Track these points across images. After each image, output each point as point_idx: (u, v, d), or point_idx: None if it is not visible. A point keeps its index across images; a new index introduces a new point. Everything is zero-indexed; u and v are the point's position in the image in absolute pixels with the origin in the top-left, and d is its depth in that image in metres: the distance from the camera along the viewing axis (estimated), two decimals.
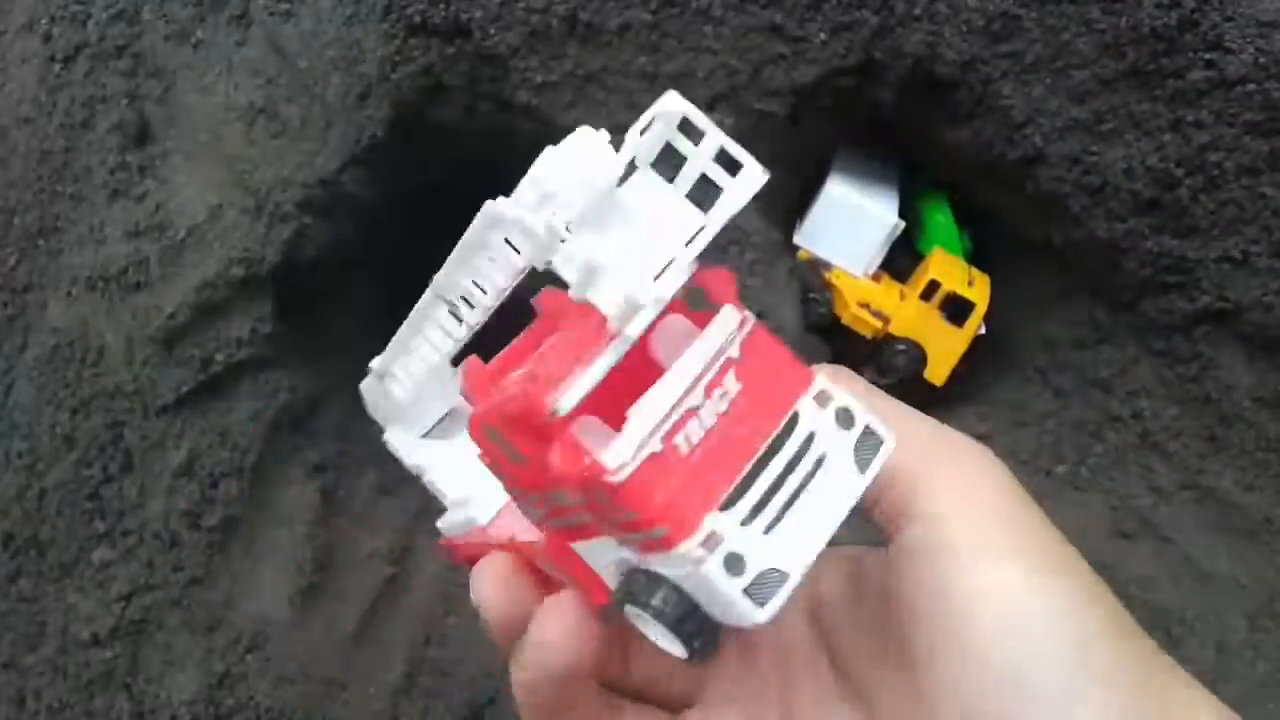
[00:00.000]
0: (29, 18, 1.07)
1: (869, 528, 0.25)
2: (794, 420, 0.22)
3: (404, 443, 0.35)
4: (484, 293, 0.28)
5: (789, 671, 0.30)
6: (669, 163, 0.23)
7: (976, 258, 1.07)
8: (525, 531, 0.27)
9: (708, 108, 0.88)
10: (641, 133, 0.23)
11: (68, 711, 0.88)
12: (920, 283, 0.99)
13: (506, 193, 0.26)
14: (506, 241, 0.25)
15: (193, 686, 0.82)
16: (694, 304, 0.23)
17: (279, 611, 0.85)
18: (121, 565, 0.88)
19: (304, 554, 0.88)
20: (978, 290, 0.98)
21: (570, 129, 0.75)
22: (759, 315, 0.80)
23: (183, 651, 0.84)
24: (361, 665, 0.86)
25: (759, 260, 0.85)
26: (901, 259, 1.07)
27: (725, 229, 0.67)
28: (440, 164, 1.02)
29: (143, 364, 0.90)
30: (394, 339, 0.33)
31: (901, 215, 1.00)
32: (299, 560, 0.88)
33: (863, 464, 0.22)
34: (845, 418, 0.23)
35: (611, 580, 0.24)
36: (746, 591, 0.20)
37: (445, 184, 1.08)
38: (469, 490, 0.32)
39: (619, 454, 0.20)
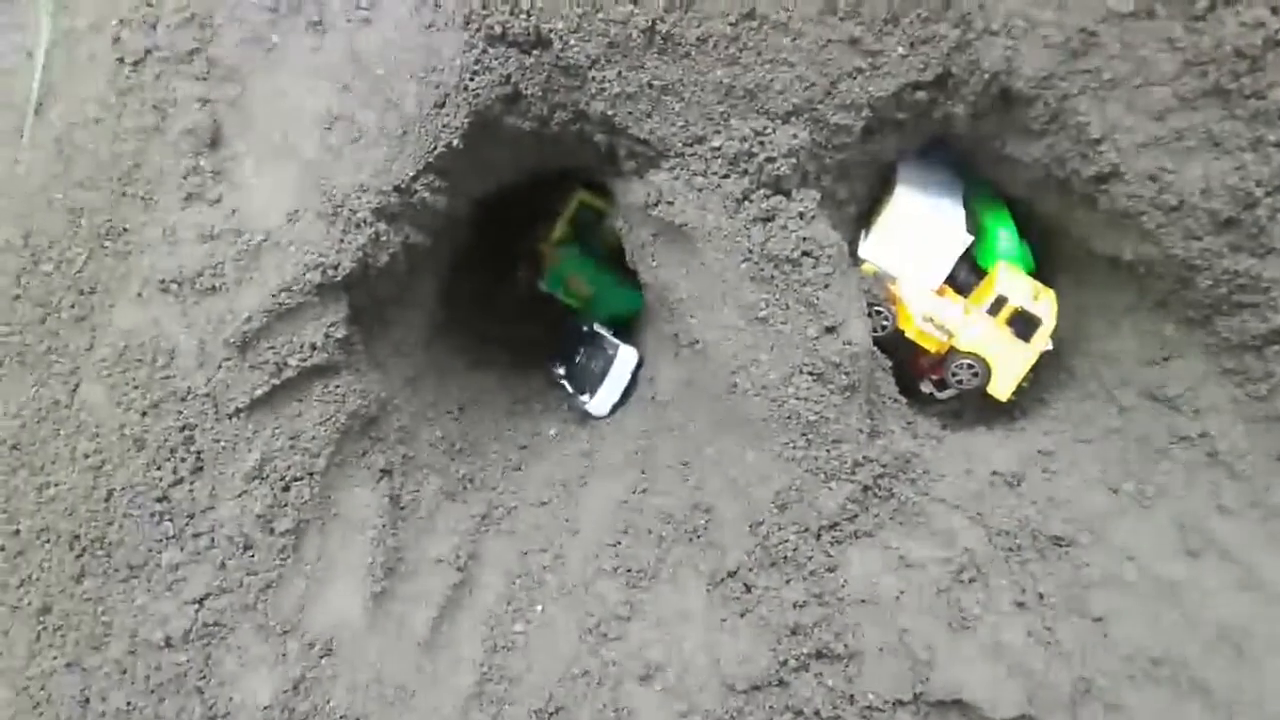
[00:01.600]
0: (97, 18, 1.08)
1: None
2: None
3: None
4: None
5: None
6: None
7: (1037, 272, 1.07)
8: None
9: (783, 121, 0.88)
10: None
11: (135, 714, 0.88)
12: (986, 297, 0.99)
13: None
14: None
15: (267, 691, 0.82)
16: None
17: (352, 616, 0.86)
18: (192, 567, 0.89)
19: (374, 558, 0.89)
20: (1044, 306, 0.98)
21: (645, 140, 0.77)
22: (831, 329, 0.80)
23: (257, 656, 0.84)
24: (432, 671, 0.86)
25: (832, 272, 0.86)
26: (962, 271, 1.07)
27: (797, 241, 0.69)
28: (511, 172, 1.03)
29: (215, 367, 0.91)
30: None
31: (966, 229, 1.00)
32: (370, 565, 0.88)
33: None
34: None
35: None
36: None
37: (510, 193, 1.08)
38: None
39: None
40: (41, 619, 0.95)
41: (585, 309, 1.33)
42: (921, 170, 1.04)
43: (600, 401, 1.23)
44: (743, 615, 0.89)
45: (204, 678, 0.85)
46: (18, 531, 0.97)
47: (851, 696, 0.85)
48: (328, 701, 0.83)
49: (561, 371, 1.28)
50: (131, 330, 0.96)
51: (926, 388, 1.10)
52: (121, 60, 1.04)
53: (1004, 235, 1.04)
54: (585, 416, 1.25)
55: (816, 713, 0.85)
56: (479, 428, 1.10)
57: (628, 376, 1.24)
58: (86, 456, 0.96)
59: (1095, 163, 0.88)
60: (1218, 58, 0.82)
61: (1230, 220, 0.85)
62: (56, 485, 0.97)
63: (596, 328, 1.30)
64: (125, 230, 1.00)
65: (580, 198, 1.33)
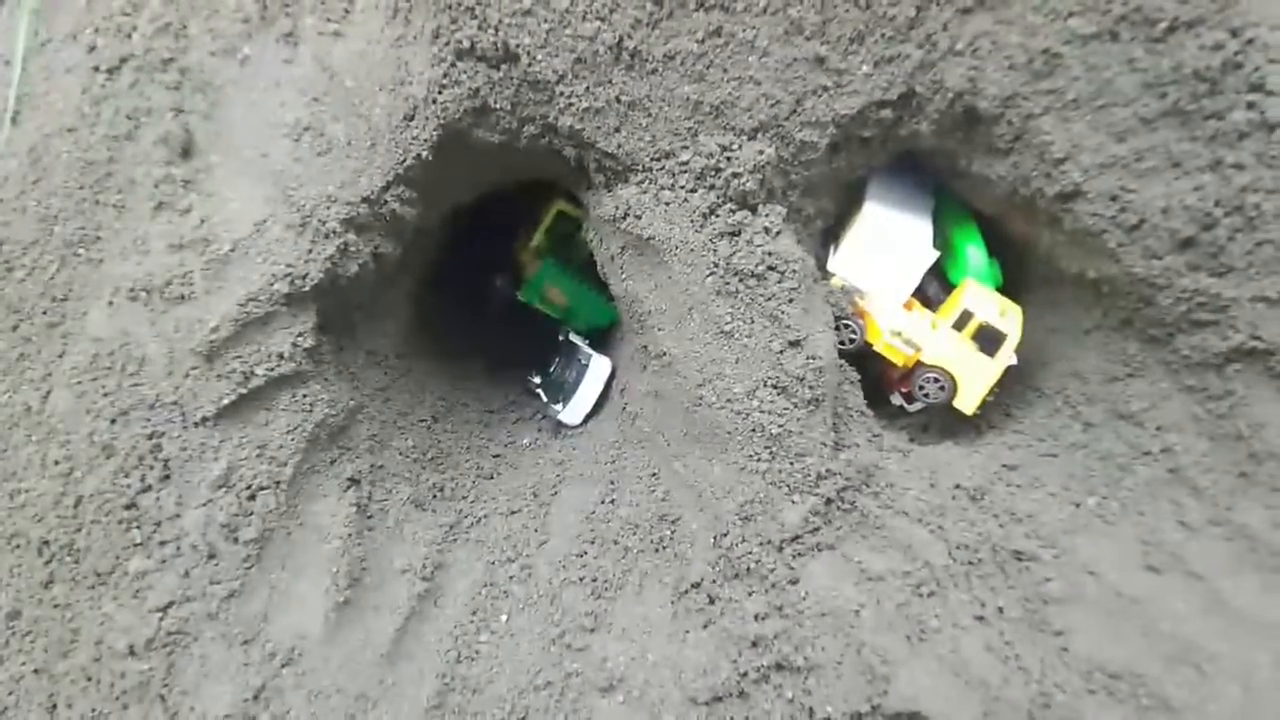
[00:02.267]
0: (74, 27, 1.08)
1: None
2: None
3: None
4: None
5: None
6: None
7: (1005, 288, 1.08)
8: None
9: (749, 137, 0.89)
10: None
11: None
12: (952, 312, 0.99)
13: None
14: None
15: (228, 699, 0.83)
16: None
17: (314, 626, 0.86)
18: (158, 575, 0.89)
19: (339, 568, 0.89)
20: (1010, 321, 0.99)
21: (613, 154, 0.78)
22: (795, 343, 0.80)
23: (219, 664, 0.84)
24: (394, 681, 0.87)
25: (797, 287, 0.86)
26: (933, 286, 1.08)
27: (763, 256, 0.70)
28: (480, 184, 1.04)
29: (184, 375, 0.91)
30: None
31: (934, 244, 1.01)
32: (334, 574, 0.89)
33: None
34: None
35: None
36: None
37: (480, 204, 1.09)
38: None
39: None
40: (11, 624, 0.95)
41: (562, 319, 1.33)
42: (891, 186, 1.05)
43: (573, 411, 1.24)
44: (705, 627, 0.89)
45: (167, 686, 0.85)
46: None
47: (810, 709, 0.85)
48: (287, 711, 0.83)
49: (537, 380, 1.29)
50: (102, 338, 0.96)
51: (897, 400, 1.11)
52: (97, 69, 1.04)
53: (973, 251, 1.05)
54: (559, 426, 1.25)
55: None
56: (451, 437, 1.10)
57: (600, 386, 1.25)
58: (56, 463, 0.96)
59: (1058, 181, 0.89)
60: (1178, 79, 0.83)
61: (1190, 240, 0.86)
62: (27, 491, 0.97)
63: (572, 337, 1.31)
64: (98, 238, 1.00)
65: (558, 207, 1.33)
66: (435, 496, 1.02)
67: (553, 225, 1.33)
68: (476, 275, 1.31)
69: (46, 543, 0.95)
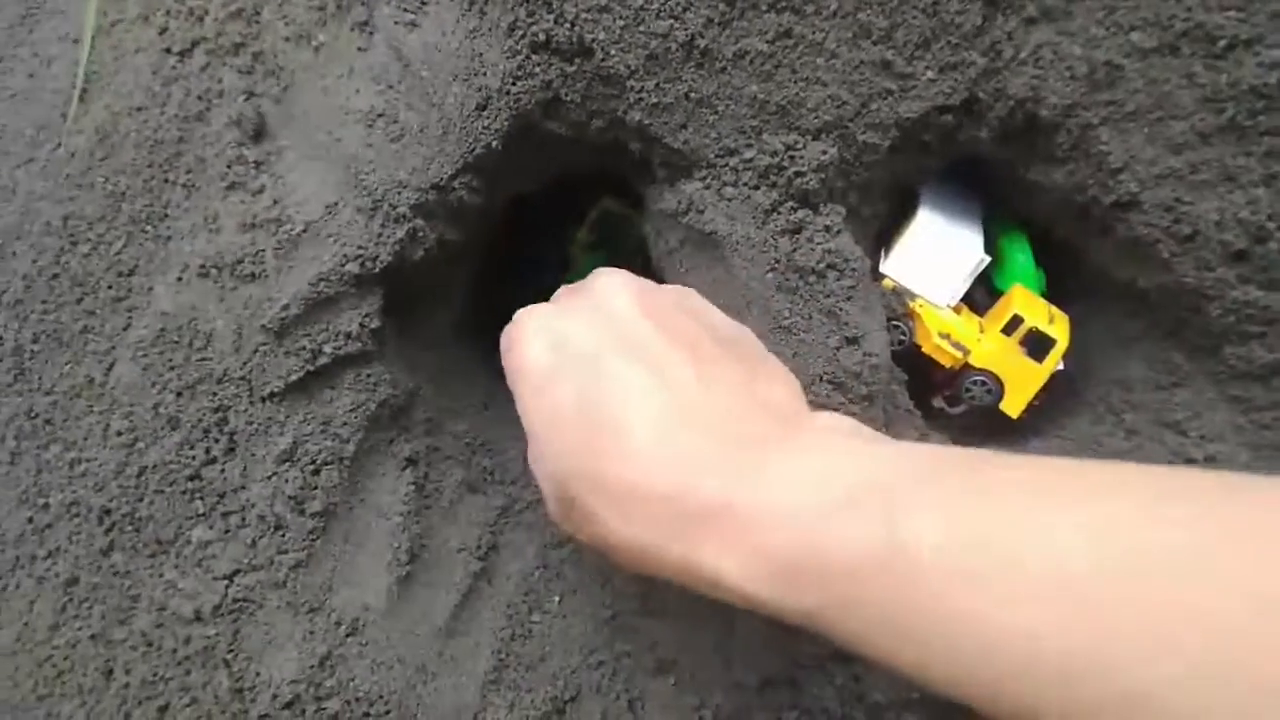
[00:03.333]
0: (144, 8, 1.10)
1: None
2: None
3: None
4: None
5: None
6: None
7: (1049, 296, 1.10)
8: None
9: (814, 137, 0.91)
10: None
11: (161, 685, 0.90)
12: (1002, 317, 1.02)
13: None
14: None
15: (293, 666, 0.85)
16: None
17: (377, 599, 0.88)
18: (222, 545, 0.91)
19: (399, 544, 0.91)
20: (1058, 328, 1.01)
21: (678, 149, 0.81)
22: (852, 340, 0.83)
23: (284, 632, 0.86)
24: (454, 655, 0.89)
25: (855, 285, 0.88)
26: (979, 292, 1.10)
27: (823, 254, 0.73)
28: (542, 175, 1.06)
29: (252, 352, 0.93)
30: None
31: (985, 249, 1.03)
32: (395, 550, 0.91)
33: None
34: None
35: None
36: None
37: (538, 193, 1.11)
38: None
39: None
40: (68, 590, 0.97)
41: None
42: (943, 191, 1.07)
43: None
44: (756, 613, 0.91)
45: (232, 651, 0.88)
46: (47, 505, 0.99)
47: (860, 696, 0.87)
48: (352, 679, 0.85)
49: None
50: (169, 313, 0.98)
51: (938, 403, 1.13)
52: (168, 50, 1.06)
53: (1020, 258, 1.07)
54: None
55: (825, 710, 0.87)
56: (499, 425, 1.13)
57: None
58: (119, 434, 0.98)
59: (1114, 191, 0.91)
60: (1235, 95, 0.85)
61: (1241, 253, 0.88)
62: (88, 461, 0.99)
63: None
64: (166, 215, 1.02)
65: (604, 203, 1.36)
66: (486, 480, 1.04)
67: (599, 220, 1.36)
68: (527, 265, 1.33)
69: (107, 511, 0.97)
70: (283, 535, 0.89)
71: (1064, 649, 0.38)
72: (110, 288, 1.03)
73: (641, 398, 0.52)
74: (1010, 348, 1.01)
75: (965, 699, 0.42)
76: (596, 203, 1.35)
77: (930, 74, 0.89)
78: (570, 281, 1.33)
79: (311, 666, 0.85)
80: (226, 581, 0.89)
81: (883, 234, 1.07)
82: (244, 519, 0.91)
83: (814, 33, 0.87)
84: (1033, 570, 0.39)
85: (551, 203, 1.28)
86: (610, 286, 0.67)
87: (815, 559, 0.47)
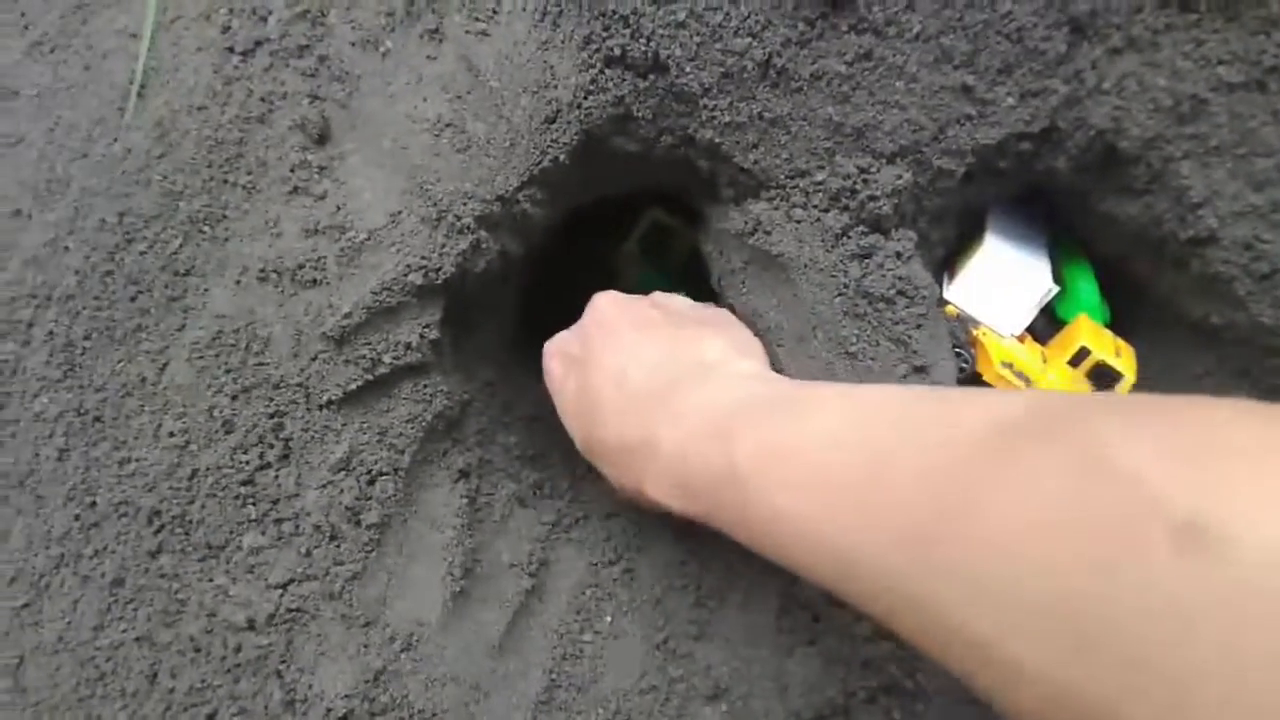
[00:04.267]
0: (207, 6, 1.10)
1: None
2: None
3: None
4: None
5: None
6: None
7: (1112, 327, 1.08)
8: None
9: (888, 161, 0.90)
10: None
11: (209, 692, 0.89)
12: (1068, 348, 1.00)
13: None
14: None
15: (347, 680, 0.84)
16: None
17: (431, 613, 0.87)
18: (275, 553, 0.91)
19: (453, 558, 0.90)
20: (1125, 360, 0.99)
21: (748, 169, 0.80)
22: (920, 369, 0.81)
23: (338, 645, 0.86)
24: (505, 674, 0.88)
25: (925, 313, 0.87)
26: (1040, 320, 1.08)
27: (893, 280, 0.74)
28: (604, 189, 1.05)
29: (311, 359, 0.93)
30: None
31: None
32: (449, 564, 0.90)
33: None
34: None
35: None
36: None
37: (599, 208, 1.10)
38: None
39: None
40: (114, 591, 0.96)
41: None
42: (1010, 219, 1.05)
43: None
44: (811, 643, 0.90)
45: (284, 662, 0.87)
46: (94, 503, 0.98)
47: None
48: (405, 695, 0.84)
49: None
50: (226, 315, 0.97)
51: None
52: (230, 50, 1.05)
53: (1086, 288, 1.05)
54: None
55: None
56: (548, 438, 1.12)
57: None
58: (171, 435, 0.97)
59: (1193, 226, 0.90)
60: None
61: None
62: (138, 460, 0.98)
63: None
64: (224, 217, 1.01)
65: (654, 216, 1.35)
66: (536, 494, 1.03)
67: (646, 232, 1.35)
68: (576, 276, 1.32)
69: (157, 513, 0.96)
70: (338, 546, 0.88)
71: (836, 535, 0.48)
72: (166, 287, 1.02)
73: (612, 381, 0.72)
74: (1076, 379, 1.00)
75: (836, 595, 0.52)
76: (645, 213, 1.34)
77: (1011, 100, 0.87)
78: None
79: (365, 681, 0.84)
80: (280, 590, 0.88)
81: (946, 259, 1.06)
82: (298, 527, 0.90)
83: (894, 55, 0.86)
84: (809, 464, 0.50)
85: (599, 213, 1.27)
86: (600, 302, 0.87)
87: (692, 478, 0.62)
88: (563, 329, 1.00)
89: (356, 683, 0.83)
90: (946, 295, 1.03)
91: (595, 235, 1.33)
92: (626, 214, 1.34)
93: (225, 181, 1.02)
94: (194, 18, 1.10)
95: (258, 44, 1.05)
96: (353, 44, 1.00)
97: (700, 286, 1.14)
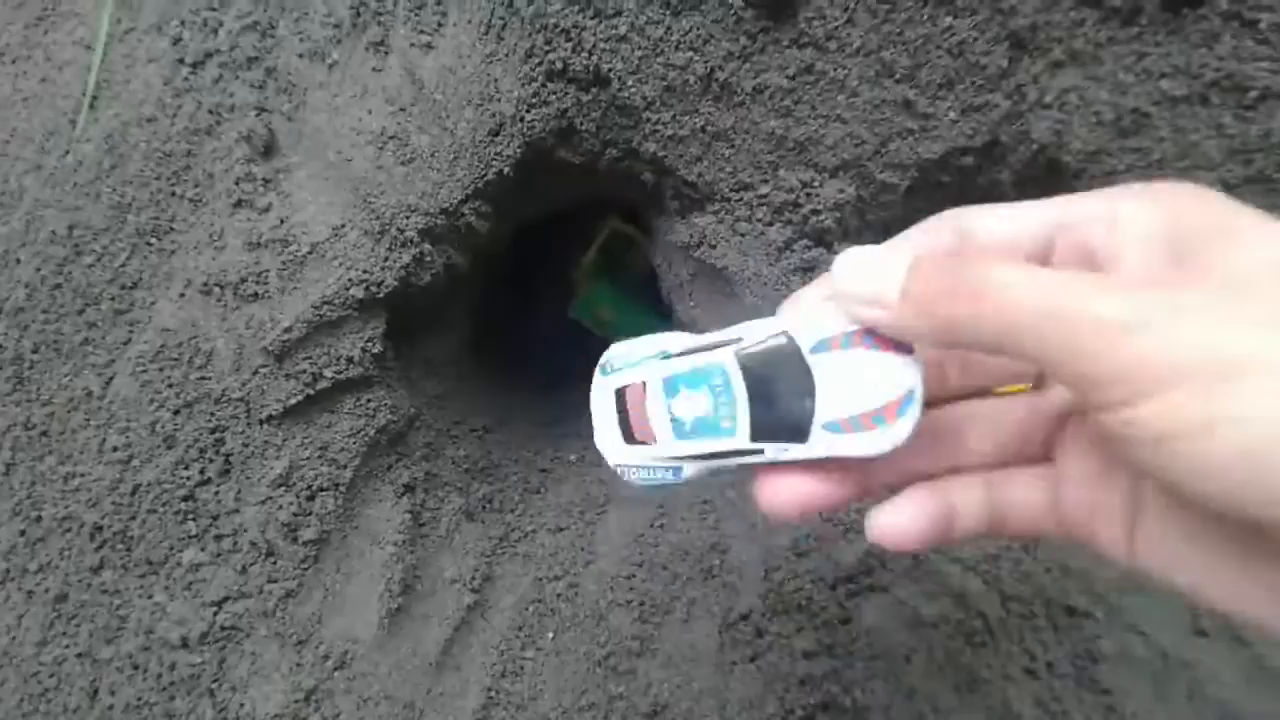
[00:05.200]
0: (159, 18, 1.09)
1: None
2: None
3: None
4: None
5: None
6: None
7: None
8: None
9: (831, 175, 0.89)
10: None
11: (146, 710, 0.88)
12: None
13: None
14: None
15: (279, 699, 0.83)
16: None
17: (367, 631, 0.86)
18: (212, 569, 0.90)
19: (393, 574, 0.89)
20: None
21: (693, 182, 0.78)
22: None
23: (270, 663, 0.85)
24: (442, 691, 0.87)
25: None
26: None
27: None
28: (551, 202, 1.04)
29: (252, 373, 0.92)
30: None
31: None
32: (388, 580, 0.89)
33: None
34: None
35: None
36: None
37: (543, 217, 1.10)
38: None
39: None
40: (57, 607, 0.95)
41: (610, 336, 1.34)
42: None
43: None
44: (753, 660, 0.89)
45: (217, 681, 0.86)
46: (39, 518, 0.98)
47: None
48: (337, 715, 0.83)
49: None
50: (170, 329, 0.97)
51: None
52: (181, 61, 1.05)
53: None
54: None
55: None
56: (501, 449, 1.11)
57: None
58: (115, 449, 0.97)
59: None
60: (1264, 148, 0.83)
61: None
62: (82, 475, 0.97)
63: None
64: (171, 229, 1.01)
65: (612, 225, 1.34)
66: (485, 508, 1.03)
67: (606, 243, 1.34)
68: (530, 289, 1.31)
69: (99, 528, 0.96)
70: (274, 563, 0.88)
71: None
72: (113, 300, 1.01)
73: None
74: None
75: None
76: (603, 224, 1.33)
77: (952, 114, 0.87)
78: (578, 307, 1.32)
79: (296, 700, 0.83)
80: (215, 608, 0.87)
81: None
82: (236, 544, 0.89)
83: (836, 69, 0.86)
84: None
85: (556, 227, 1.26)
86: None
87: None
88: (519, 342, 0.99)
89: (287, 702, 0.83)
90: None
91: (552, 250, 1.33)
92: (585, 226, 1.34)
93: (173, 194, 1.01)
94: (146, 29, 1.10)
95: (208, 55, 1.04)
96: (300, 55, 1.00)
97: (661, 300, 1.14)
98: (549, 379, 1.28)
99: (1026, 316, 0.29)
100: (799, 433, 0.37)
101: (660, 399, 0.41)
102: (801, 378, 0.37)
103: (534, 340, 1.33)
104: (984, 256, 0.33)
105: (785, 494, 0.39)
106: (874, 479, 0.40)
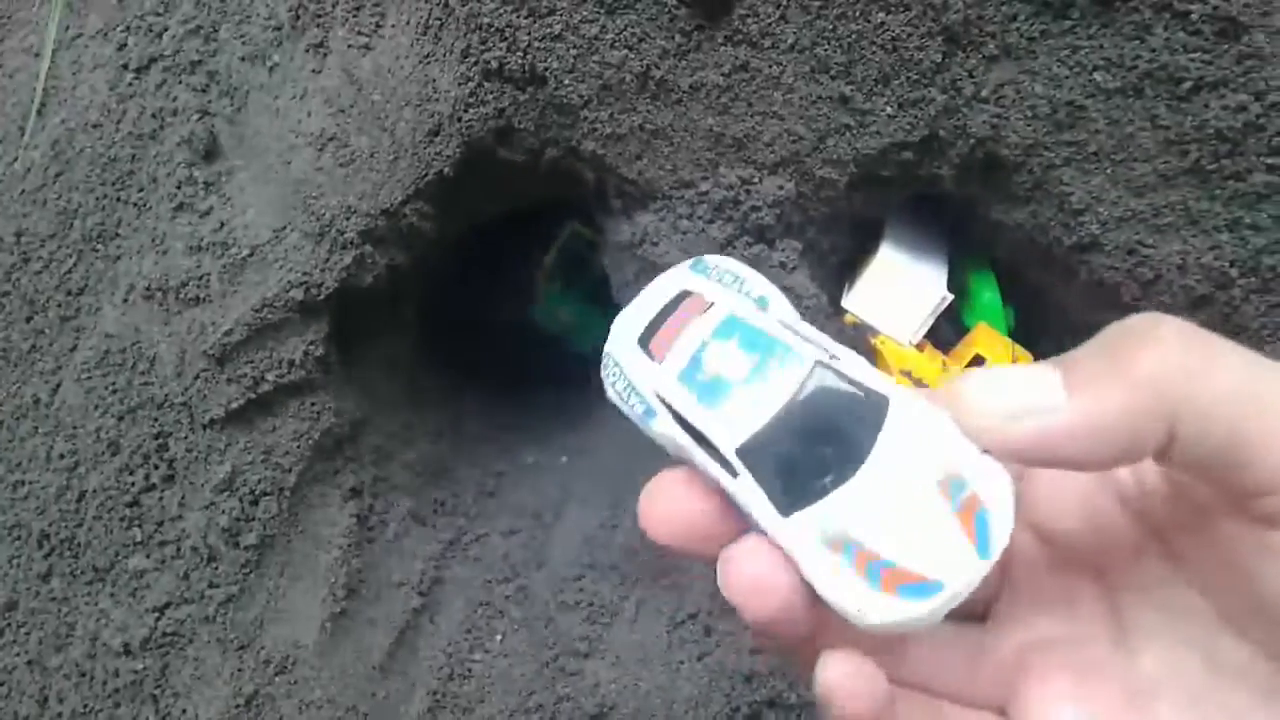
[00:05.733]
0: (105, 24, 1.09)
1: None
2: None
3: None
4: None
5: (1108, 565, 0.31)
6: None
7: (1018, 335, 1.08)
8: None
9: (770, 171, 0.89)
10: None
11: (92, 717, 0.88)
12: (964, 357, 0.99)
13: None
14: None
15: (220, 704, 0.82)
16: None
17: (309, 636, 0.86)
18: (156, 575, 0.89)
19: (337, 579, 0.89)
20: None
21: (633, 180, 0.77)
22: None
23: (212, 669, 0.84)
24: (386, 695, 0.87)
25: (811, 322, 0.86)
26: (946, 328, 1.08)
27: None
28: (498, 203, 1.04)
29: (194, 377, 0.92)
30: None
31: (949, 287, 1.01)
32: (331, 585, 0.88)
33: None
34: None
35: None
36: None
37: (496, 223, 1.09)
38: None
39: None
40: (6, 615, 0.95)
41: (569, 339, 1.34)
42: (908, 227, 1.05)
43: None
44: (700, 659, 0.89)
45: (159, 687, 0.85)
46: None
47: None
48: (279, 719, 0.83)
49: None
50: (114, 334, 0.97)
51: None
52: (125, 66, 1.05)
53: (987, 295, 1.05)
54: (563, 445, 1.25)
55: None
56: (455, 452, 1.10)
57: None
58: (62, 457, 0.96)
59: (1076, 232, 0.89)
60: (1199, 139, 0.83)
61: (1205, 298, 0.86)
62: (30, 483, 0.97)
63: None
64: (117, 235, 1.01)
65: (573, 228, 1.34)
66: (436, 511, 1.02)
67: (566, 245, 1.34)
68: (487, 291, 1.31)
69: (47, 536, 0.95)
70: (215, 568, 0.87)
71: None
72: (59, 306, 1.01)
73: None
74: None
75: None
76: (563, 227, 1.33)
77: (889, 110, 0.87)
78: (537, 309, 1.32)
79: (237, 705, 0.83)
80: (157, 614, 0.87)
81: (846, 268, 1.05)
82: (179, 549, 0.89)
83: (771, 66, 0.86)
84: None
85: (517, 230, 1.26)
86: None
87: None
88: (477, 344, 0.99)
89: (228, 707, 0.82)
90: (845, 304, 1.02)
91: (512, 254, 1.33)
92: (547, 229, 1.34)
93: (118, 199, 1.01)
94: (93, 35, 1.09)
95: (152, 60, 1.04)
96: (242, 59, 0.99)
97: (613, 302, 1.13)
98: (508, 381, 1.28)
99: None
100: (796, 497, 0.27)
101: (708, 328, 0.30)
102: (855, 448, 0.26)
103: (493, 343, 1.32)
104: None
105: (664, 504, 0.30)
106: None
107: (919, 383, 1.02)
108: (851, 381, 0.28)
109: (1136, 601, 0.30)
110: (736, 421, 0.28)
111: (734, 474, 0.28)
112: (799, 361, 0.28)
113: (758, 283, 0.33)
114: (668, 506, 0.29)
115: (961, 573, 0.24)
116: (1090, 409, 0.25)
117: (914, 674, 0.31)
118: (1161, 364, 0.25)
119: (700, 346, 0.30)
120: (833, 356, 0.29)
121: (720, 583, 0.28)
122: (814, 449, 0.27)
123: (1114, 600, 0.31)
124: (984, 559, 0.24)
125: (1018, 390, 0.27)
